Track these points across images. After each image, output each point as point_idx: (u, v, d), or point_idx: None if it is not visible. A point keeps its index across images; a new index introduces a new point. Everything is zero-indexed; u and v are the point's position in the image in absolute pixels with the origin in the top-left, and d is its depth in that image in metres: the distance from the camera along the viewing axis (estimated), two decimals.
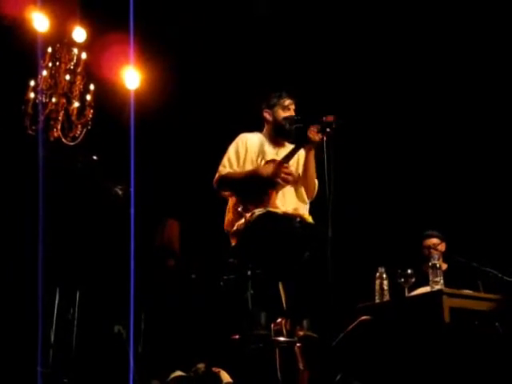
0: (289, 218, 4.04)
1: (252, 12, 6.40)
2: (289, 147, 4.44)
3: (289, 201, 4.30)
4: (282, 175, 4.16)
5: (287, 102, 4.41)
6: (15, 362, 4.70)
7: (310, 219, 4.20)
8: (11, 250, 5.21)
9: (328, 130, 3.99)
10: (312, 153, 4.24)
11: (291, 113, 4.40)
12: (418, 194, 6.38)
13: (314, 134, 4.10)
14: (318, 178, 4.32)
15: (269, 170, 4.21)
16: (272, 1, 6.37)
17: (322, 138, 3.99)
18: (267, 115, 4.46)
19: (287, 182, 4.21)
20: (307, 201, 4.38)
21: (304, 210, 4.27)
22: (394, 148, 6.53)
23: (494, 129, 6.17)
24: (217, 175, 4.34)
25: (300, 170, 4.42)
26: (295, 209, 4.22)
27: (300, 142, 4.28)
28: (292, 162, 4.37)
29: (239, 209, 4.19)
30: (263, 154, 4.37)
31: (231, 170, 4.31)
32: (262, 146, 4.40)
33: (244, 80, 6.59)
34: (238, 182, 4.26)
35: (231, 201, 4.37)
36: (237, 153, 4.37)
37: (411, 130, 6.49)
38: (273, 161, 4.29)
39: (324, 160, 3.86)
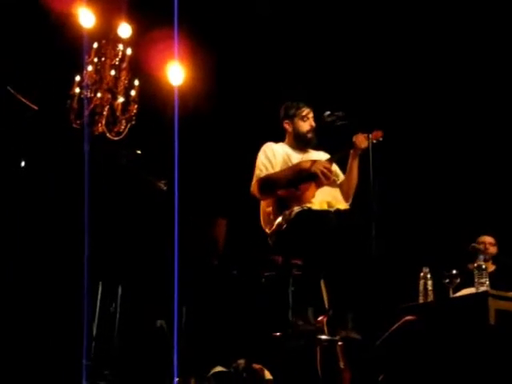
0: (325, 213, 4.05)
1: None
2: (312, 153, 4.51)
3: (324, 197, 4.31)
4: (322, 169, 4.19)
5: (305, 111, 4.50)
6: (60, 355, 4.75)
7: (345, 206, 4.23)
8: (57, 244, 5.27)
9: (374, 141, 4.20)
10: (357, 158, 4.30)
11: (310, 122, 4.51)
12: (465, 194, 6.31)
13: (360, 142, 4.16)
14: (361, 182, 4.36)
15: (310, 163, 4.25)
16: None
17: (368, 147, 4.06)
18: (287, 126, 4.55)
19: (327, 178, 4.23)
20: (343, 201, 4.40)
21: (339, 205, 4.28)
22: (442, 148, 6.47)
23: None
24: (254, 180, 4.37)
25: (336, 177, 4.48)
26: (329, 202, 4.23)
27: (348, 146, 4.36)
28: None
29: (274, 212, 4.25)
30: (290, 161, 4.41)
31: (268, 173, 4.35)
32: (287, 154, 4.47)
33: (286, 76, 6.59)
34: (280, 179, 4.29)
35: (265, 202, 4.40)
36: (267, 158, 4.43)
37: (461, 129, 6.43)
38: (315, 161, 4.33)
39: (369, 165, 3.91)
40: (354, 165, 4.37)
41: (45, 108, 5.43)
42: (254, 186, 4.38)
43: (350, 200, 4.46)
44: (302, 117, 4.48)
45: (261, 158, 4.45)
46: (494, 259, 5.28)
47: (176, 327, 4.16)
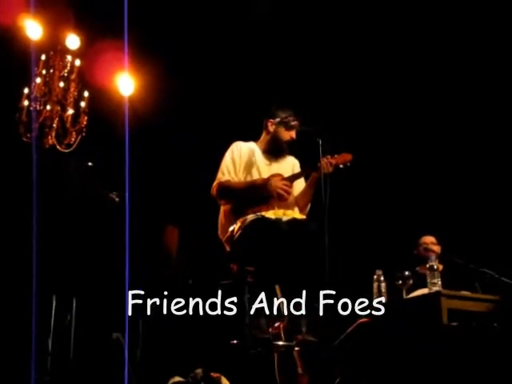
0: (278, 223, 4.06)
1: (250, 16, 6.41)
2: (281, 161, 4.49)
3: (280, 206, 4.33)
4: (279, 190, 4.21)
5: (293, 122, 4.45)
6: (12, 369, 4.68)
7: (301, 216, 4.24)
8: (6, 257, 5.20)
9: (341, 166, 4.20)
10: (316, 181, 4.28)
11: (292, 134, 4.47)
12: (414, 197, 6.39)
13: (326, 166, 4.14)
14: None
15: (267, 181, 4.25)
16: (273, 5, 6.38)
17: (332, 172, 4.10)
18: (270, 126, 4.50)
19: (282, 198, 4.24)
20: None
21: (295, 214, 4.29)
22: (389, 152, 6.54)
23: (488, 130, 6.20)
24: (216, 182, 4.37)
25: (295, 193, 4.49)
26: (285, 211, 4.24)
27: (310, 167, 4.34)
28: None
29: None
30: (256, 164, 4.42)
31: (230, 178, 4.35)
32: (254, 156, 4.46)
33: (240, 86, 6.60)
34: (237, 191, 4.30)
35: (223, 208, 4.40)
36: (233, 160, 4.42)
37: (406, 134, 6.51)
38: (277, 175, 4.34)
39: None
40: (312, 186, 4.37)
41: None
42: (213, 188, 4.38)
43: (305, 211, 4.47)
44: (288, 126, 4.47)
45: (226, 160, 4.45)
46: (441, 259, 5.34)
47: (127, 339, 4.13)
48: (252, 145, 4.55)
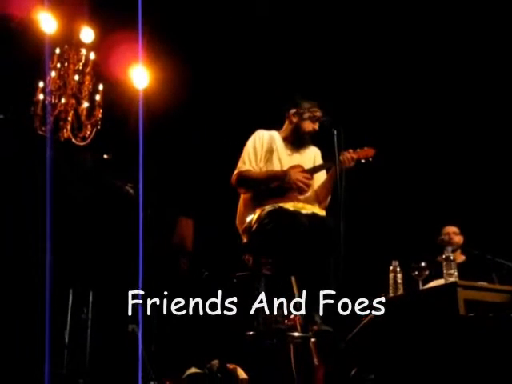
0: (297, 214, 4.03)
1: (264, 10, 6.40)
2: (303, 152, 4.47)
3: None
4: (299, 183, 4.18)
5: (317, 114, 4.43)
6: (28, 363, 4.70)
7: (321, 212, 4.21)
8: (21, 250, 5.22)
9: (363, 161, 4.17)
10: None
11: (315, 126, 4.41)
12: (433, 187, 6.36)
13: (348, 160, 4.12)
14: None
15: (288, 173, 4.23)
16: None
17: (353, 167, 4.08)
18: (293, 116, 4.46)
19: (302, 190, 4.22)
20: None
21: (315, 209, 4.27)
22: (409, 141, 6.51)
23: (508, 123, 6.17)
24: (236, 171, 4.34)
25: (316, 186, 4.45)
26: (304, 204, 4.21)
27: (332, 160, 4.25)
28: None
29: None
30: (278, 153, 4.39)
31: (250, 168, 4.32)
32: (276, 145, 4.43)
33: (255, 78, 6.59)
34: (257, 181, 4.28)
35: (243, 196, 4.38)
36: (254, 149, 4.39)
37: (427, 122, 6.49)
38: (298, 166, 4.31)
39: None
40: (332, 179, 4.30)
41: (9, 115, 5.38)
42: (233, 177, 4.35)
43: (325, 203, 4.42)
44: (312, 117, 4.44)
45: (248, 149, 4.42)
46: (463, 249, 5.31)
47: (141, 331, 4.14)
48: (274, 133, 4.52)
